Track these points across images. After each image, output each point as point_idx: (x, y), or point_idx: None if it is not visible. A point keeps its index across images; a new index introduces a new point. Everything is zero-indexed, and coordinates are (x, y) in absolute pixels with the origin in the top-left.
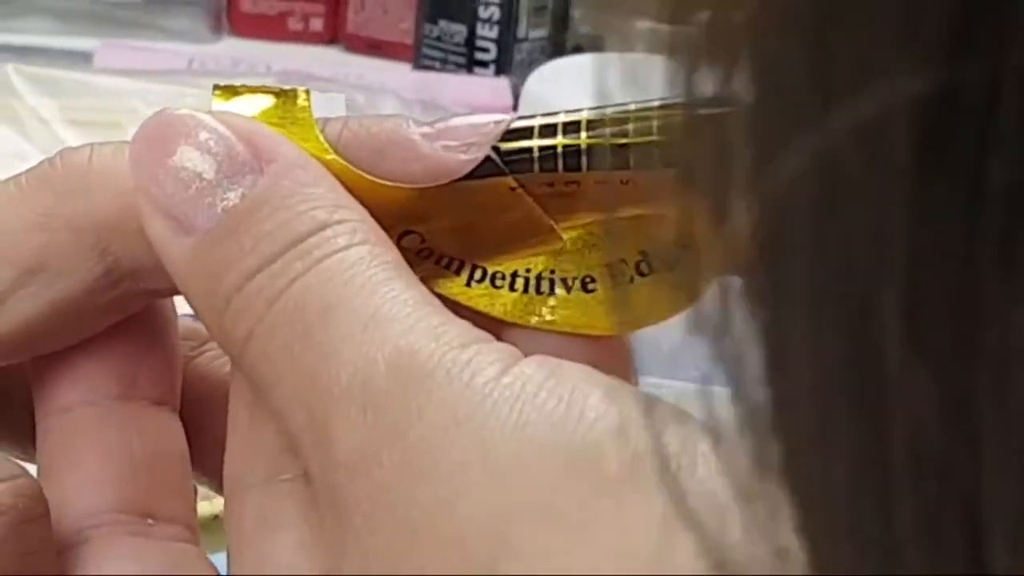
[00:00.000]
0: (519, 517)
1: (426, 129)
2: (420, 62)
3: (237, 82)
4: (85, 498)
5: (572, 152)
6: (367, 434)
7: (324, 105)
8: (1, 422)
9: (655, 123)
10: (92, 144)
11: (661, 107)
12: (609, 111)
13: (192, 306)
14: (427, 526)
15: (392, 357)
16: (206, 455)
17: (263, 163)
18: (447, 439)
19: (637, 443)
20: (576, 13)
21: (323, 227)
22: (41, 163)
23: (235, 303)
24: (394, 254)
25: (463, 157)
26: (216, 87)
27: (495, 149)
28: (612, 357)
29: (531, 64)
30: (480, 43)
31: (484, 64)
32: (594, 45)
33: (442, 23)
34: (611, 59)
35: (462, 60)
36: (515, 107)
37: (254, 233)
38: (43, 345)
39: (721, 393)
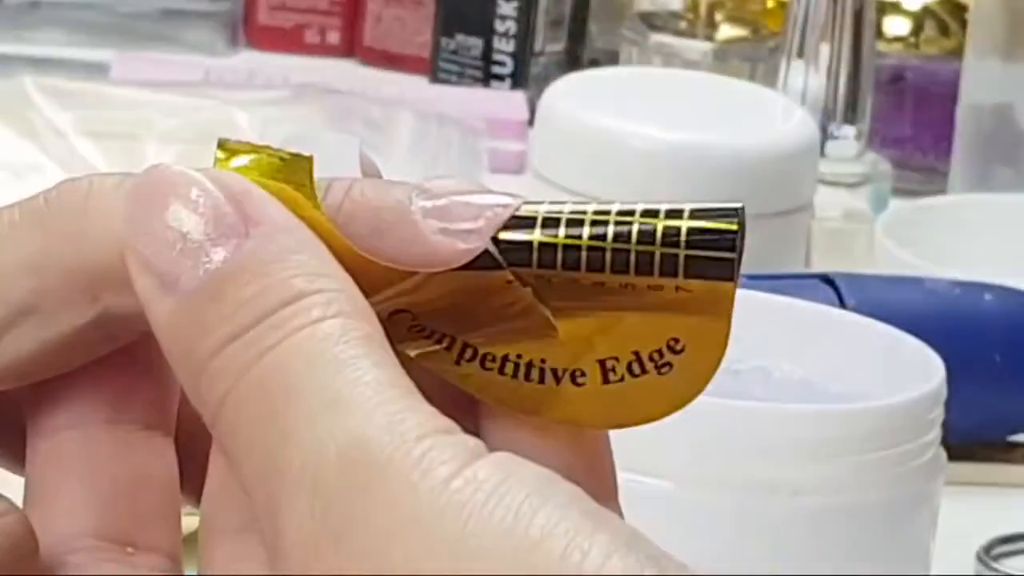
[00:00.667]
0: None
1: (429, 204)
2: (437, 75)
3: (243, 139)
4: (65, 523)
5: (572, 249)
6: (312, 528)
7: (337, 148)
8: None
9: (660, 228)
10: (91, 178)
11: (668, 213)
12: (616, 207)
13: (172, 364)
14: None
15: (345, 449)
16: (198, 479)
17: (250, 226)
18: (393, 541)
19: (581, 568)
20: (593, 27)
21: (299, 297)
22: (37, 196)
23: (210, 369)
24: (369, 327)
25: (461, 247)
26: (220, 143)
27: (494, 240)
28: (590, 451)
29: (547, 78)
30: (497, 56)
31: (500, 78)
32: (611, 59)
33: (459, 37)
34: (627, 73)
35: (479, 74)
36: (531, 121)
37: (232, 299)
38: (33, 377)
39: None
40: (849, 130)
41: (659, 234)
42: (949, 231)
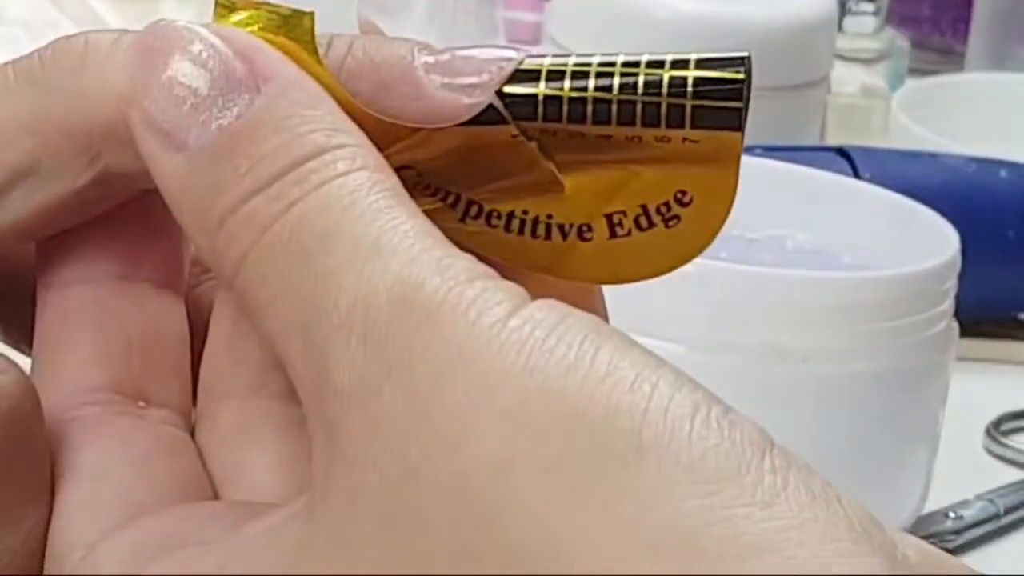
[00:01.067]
0: (521, 467)
1: (431, 59)
2: None
3: None
4: (77, 375)
5: (578, 102)
6: (366, 365)
7: (335, 5)
8: (7, 304)
9: (666, 78)
10: (87, 35)
11: (674, 63)
12: (620, 58)
13: (182, 223)
14: (427, 467)
15: (395, 288)
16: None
17: (260, 81)
18: (452, 378)
19: (648, 402)
20: None
21: (322, 151)
22: (31, 55)
23: (229, 225)
24: (394, 181)
25: (466, 101)
26: (218, 1)
27: (499, 93)
28: (590, 310)
29: None
30: None
31: None
32: None
33: None
34: None
35: None
36: None
37: (250, 154)
38: (33, 236)
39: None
40: (867, 6)
41: (665, 84)
42: (965, 109)
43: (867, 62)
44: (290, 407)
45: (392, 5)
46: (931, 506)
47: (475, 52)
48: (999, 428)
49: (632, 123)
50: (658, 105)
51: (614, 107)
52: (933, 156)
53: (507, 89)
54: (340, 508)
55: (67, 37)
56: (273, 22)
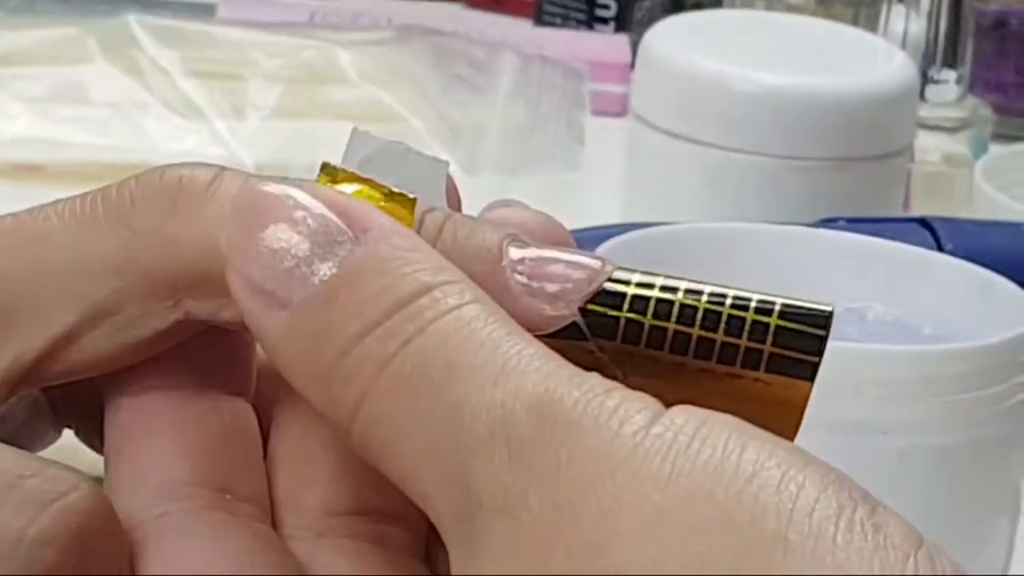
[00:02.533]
0: (670, 566)
1: (520, 254)
2: (541, 18)
3: (365, 127)
4: (160, 471)
5: (658, 330)
6: (513, 479)
7: (426, 168)
8: (73, 410)
9: (749, 320)
10: (181, 174)
11: (759, 307)
12: (707, 290)
13: (291, 379)
14: (573, 569)
15: (534, 405)
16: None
17: (359, 232)
18: (599, 485)
19: (794, 503)
20: None
21: (429, 289)
22: (121, 192)
23: (343, 369)
24: (504, 313)
25: (550, 314)
26: (323, 165)
27: (581, 309)
28: None
29: (651, 21)
30: (601, 0)
31: (604, 20)
32: (714, 3)
33: None
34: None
35: (583, 16)
36: (632, 64)
37: (357, 299)
38: (108, 369)
39: None
40: (949, 74)
41: (747, 328)
42: None
43: (950, 130)
44: (360, 544)
45: (479, 82)
46: None
47: (564, 255)
48: None
49: (708, 358)
50: (737, 347)
51: (693, 341)
52: (1016, 225)
53: (590, 306)
54: None
55: (161, 171)
56: (375, 200)
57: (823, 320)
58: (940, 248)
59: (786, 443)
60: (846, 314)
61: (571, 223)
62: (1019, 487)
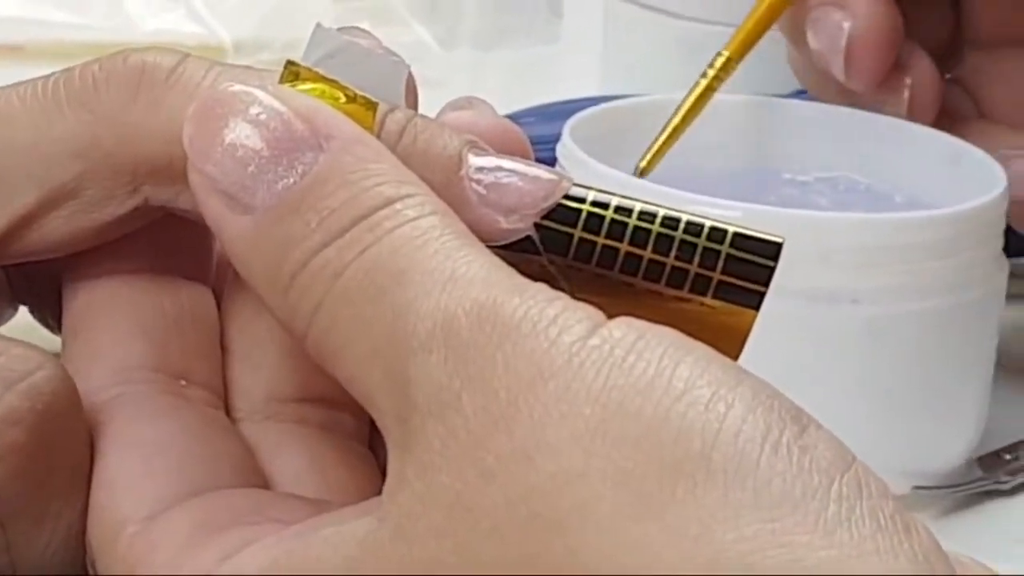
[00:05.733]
0: (596, 481)
1: (480, 163)
2: None
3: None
4: (117, 353)
5: (610, 250)
6: (447, 379)
7: (388, 69)
8: (35, 290)
9: (700, 247)
10: (144, 60)
11: (711, 233)
12: (661, 213)
13: (252, 283)
14: (502, 475)
15: (474, 309)
16: None
17: (322, 139)
18: (531, 393)
19: (721, 423)
20: None
21: (391, 201)
22: (85, 73)
23: (301, 279)
24: (462, 225)
25: (504, 226)
26: (288, 63)
27: (536, 224)
28: None
29: None
30: None
31: None
32: None
33: None
34: None
35: None
36: None
37: (319, 209)
38: (65, 251)
39: None
40: None
41: (698, 253)
42: None
43: None
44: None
45: None
46: (985, 447)
47: (522, 168)
48: None
49: (657, 280)
50: (687, 271)
51: (644, 263)
52: None
53: (545, 221)
54: (408, 506)
55: (124, 56)
56: (338, 99)
57: (774, 251)
58: None
59: (722, 359)
60: (817, 183)
61: (548, 96)
62: (991, 354)
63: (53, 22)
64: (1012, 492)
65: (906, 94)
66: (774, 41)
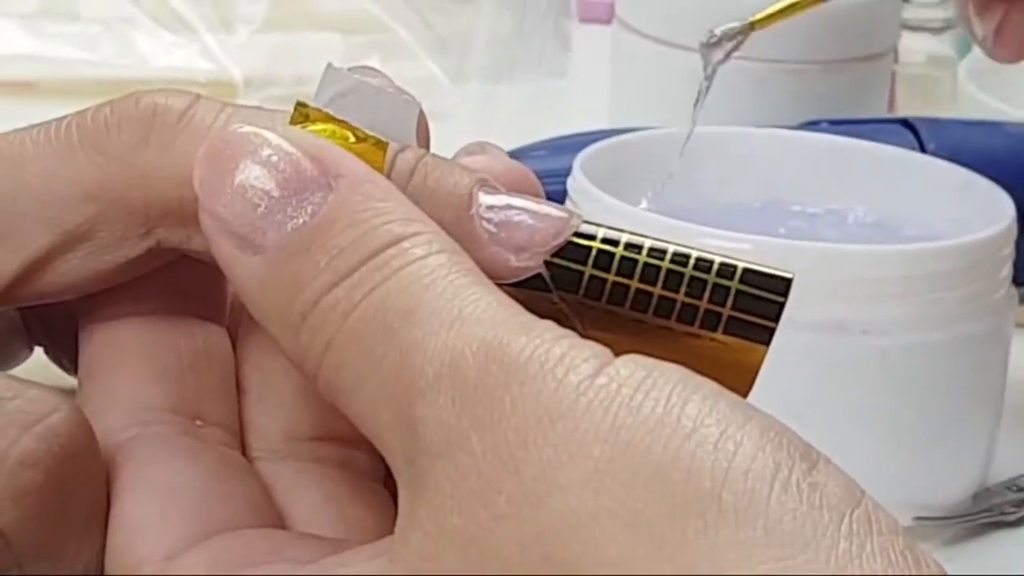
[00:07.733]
0: (606, 521)
1: (490, 201)
2: None
3: (319, 103)
4: (133, 394)
5: (620, 287)
6: (455, 421)
7: (399, 109)
8: (51, 333)
9: (710, 283)
10: (155, 102)
11: (721, 270)
12: (671, 249)
13: (264, 323)
14: (514, 517)
15: (481, 349)
16: None
17: (331, 179)
18: (540, 434)
19: (730, 462)
20: None
21: (399, 240)
22: (97, 119)
23: (312, 318)
24: (471, 263)
25: (515, 264)
26: (298, 104)
27: (546, 262)
28: None
29: None
30: None
31: None
32: None
33: None
34: None
35: None
36: None
37: (328, 248)
38: (79, 294)
39: None
40: None
41: (708, 290)
42: None
43: (934, 31)
44: (323, 468)
45: None
46: (993, 478)
47: (532, 206)
48: None
49: (668, 317)
50: (697, 308)
51: (654, 299)
52: (998, 124)
53: (555, 259)
54: (420, 547)
55: (136, 99)
56: (347, 139)
57: (783, 286)
58: (923, 149)
59: (730, 396)
60: (826, 216)
61: (557, 129)
62: (1001, 384)
63: (64, 59)
64: (1016, 524)
65: None
66: (786, 72)
